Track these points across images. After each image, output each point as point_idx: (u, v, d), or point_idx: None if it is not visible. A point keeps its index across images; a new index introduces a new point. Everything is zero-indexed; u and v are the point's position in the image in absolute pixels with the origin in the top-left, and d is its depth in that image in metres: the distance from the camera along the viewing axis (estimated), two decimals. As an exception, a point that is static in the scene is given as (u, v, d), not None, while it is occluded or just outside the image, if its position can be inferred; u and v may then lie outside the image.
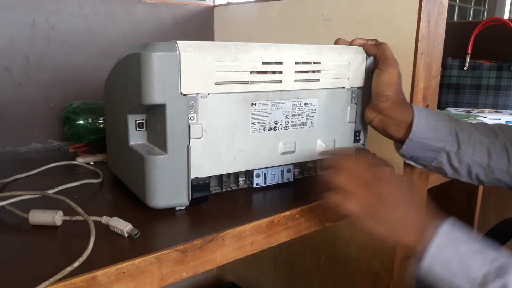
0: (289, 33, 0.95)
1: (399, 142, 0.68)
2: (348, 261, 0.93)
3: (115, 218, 0.51)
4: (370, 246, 0.86)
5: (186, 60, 0.53)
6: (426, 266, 0.50)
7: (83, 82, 0.97)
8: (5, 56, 0.87)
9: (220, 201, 0.61)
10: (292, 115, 0.65)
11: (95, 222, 0.50)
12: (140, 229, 0.50)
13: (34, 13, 0.89)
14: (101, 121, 0.90)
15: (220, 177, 0.62)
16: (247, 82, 0.59)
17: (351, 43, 0.70)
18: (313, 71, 0.64)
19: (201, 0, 1.19)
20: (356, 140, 0.73)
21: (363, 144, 0.75)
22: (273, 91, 0.62)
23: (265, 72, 0.60)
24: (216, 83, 0.56)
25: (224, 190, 0.63)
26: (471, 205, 1.38)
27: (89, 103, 0.91)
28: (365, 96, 0.71)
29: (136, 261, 0.45)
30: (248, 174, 0.65)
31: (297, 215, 0.60)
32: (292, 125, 0.66)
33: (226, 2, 1.21)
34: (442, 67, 1.41)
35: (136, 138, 0.60)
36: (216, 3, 1.20)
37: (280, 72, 0.61)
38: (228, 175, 0.63)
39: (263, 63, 0.59)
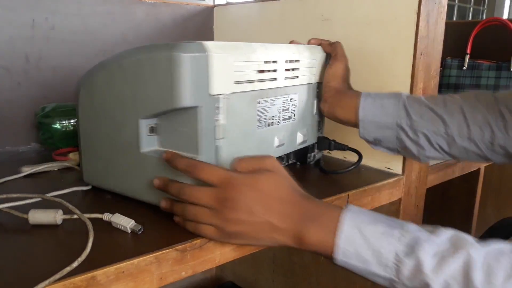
0: (288, 33, 0.95)
1: (354, 126, 0.72)
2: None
3: (117, 215, 0.51)
4: (369, 245, 0.86)
5: (213, 60, 0.53)
6: (341, 261, 0.49)
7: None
8: (5, 56, 0.87)
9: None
10: (283, 110, 0.69)
11: (97, 219, 0.50)
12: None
13: (34, 13, 0.89)
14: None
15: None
16: (254, 81, 0.61)
17: (308, 43, 0.77)
18: (293, 69, 0.69)
19: (200, 0, 1.19)
20: (319, 129, 0.81)
21: (321, 132, 0.82)
22: (271, 88, 0.65)
23: (264, 71, 0.62)
24: (235, 82, 0.57)
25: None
26: (470, 204, 1.38)
27: (63, 106, 0.89)
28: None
29: (136, 260, 0.45)
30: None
31: (296, 215, 0.60)
32: (282, 120, 0.70)
33: (225, 2, 1.21)
34: (441, 67, 1.41)
35: (148, 144, 0.57)
36: (216, 3, 1.20)
37: (275, 70, 0.65)
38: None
39: (265, 62, 0.62)
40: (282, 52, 0.66)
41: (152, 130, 0.57)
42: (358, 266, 0.48)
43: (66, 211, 0.52)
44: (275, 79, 0.65)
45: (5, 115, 0.89)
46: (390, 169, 0.80)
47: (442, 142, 0.65)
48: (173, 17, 1.11)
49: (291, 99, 0.71)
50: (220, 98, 0.55)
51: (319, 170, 0.79)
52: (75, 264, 0.42)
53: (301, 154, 0.79)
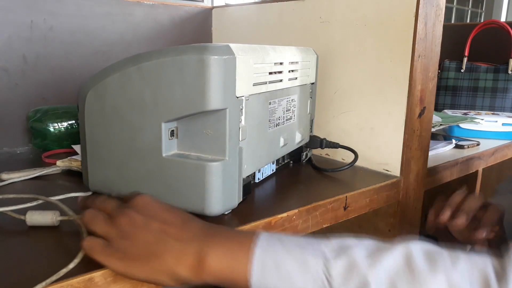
0: (287, 35, 0.95)
1: None
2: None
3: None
4: (367, 247, 0.86)
5: (239, 63, 0.54)
6: (257, 283, 0.40)
7: (80, 83, 0.97)
8: (3, 57, 0.87)
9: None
10: (286, 110, 0.71)
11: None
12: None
13: (32, 14, 0.89)
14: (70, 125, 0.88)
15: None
16: (266, 83, 0.62)
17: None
18: (292, 70, 0.70)
19: (199, 1, 1.19)
20: (310, 129, 0.84)
21: (312, 131, 0.84)
22: (278, 89, 0.66)
23: (273, 73, 0.64)
24: (254, 84, 0.58)
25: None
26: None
27: (55, 108, 0.88)
28: (316, 90, 0.84)
29: (133, 262, 0.45)
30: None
31: (294, 217, 0.60)
32: (286, 120, 0.71)
33: (224, 4, 1.21)
34: (439, 69, 1.42)
35: (169, 148, 0.56)
36: (214, 5, 1.20)
37: (281, 72, 0.66)
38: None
39: (274, 64, 0.63)
40: (286, 54, 0.67)
41: (172, 133, 0.56)
42: (278, 282, 0.40)
43: (62, 213, 0.52)
44: (281, 80, 0.66)
45: (2, 115, 0.88)
46: (388, 171, 0.80)
47: None
48: (172, 18, 1.11)
49: (292, 100, 0.72)
50: (243, 99, 0.56)
51: (312, 168, 0.80)
52: (71, 265, 0.41)
53: (295, 153, 0.80)
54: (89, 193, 0.62)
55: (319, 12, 0.87)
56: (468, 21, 4.16)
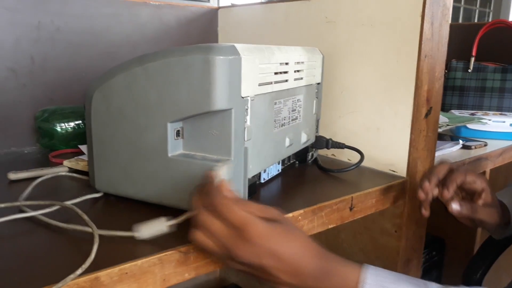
0: (292, 35, 0.95)
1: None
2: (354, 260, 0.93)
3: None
4: (373, 249, 0.86)
5: (245, 63, 0.54)
6: None
7: (87, 83, 0.97)
8: (11, 57, 0.88)
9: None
10: (292, 110, 0.71)
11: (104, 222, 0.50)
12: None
13: (39, 15, 0.90)
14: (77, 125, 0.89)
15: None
16: (272, 83, 0.62)
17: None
18: (298, 71, 0.70)
19: (205, 1, 1.19)
20: (316, 128, 0.83)
21: (317, 131, 0.84)
22: (284, 90, 0.66)
23: (278, 73, 0.64)
24: (259, 84, 0.58)
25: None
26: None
27: (62, 108, 0.89)
28: (322, 90, 0.84)
29: (139, 261, 0.45)
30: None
31: (299, 217, 0.60)
32: (291, 120, 0.71)
33: (230, 4, 1.21)
34: (446, 69, 1.41)
35: (175, 148, 0.56)
36: (220, 5, 1.20)
37: (286, 72, 0.66)
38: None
39: (280, 64, 0.63)
40: (292, 54, 0.67)
41: (178, 133, 0.56)
42: None
43: (76, 217, 0.53)
44: (286, 80, 0.66)
45: (10, 116, 0.89)
46: (394, 171, 0.80)
47: None
48: (178, 18, 1.11)
49: (297, 100, 0.72)
50: (248, 100, 0.56)
51: (318, 168, 0.80)
52: (79, 271, 0.41)
53: (300, 153, 0.80)
54: (100, 194, 0.62)
55: (325, 12, 0.87)
56: (475, 21, 4.14)
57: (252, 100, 0.57)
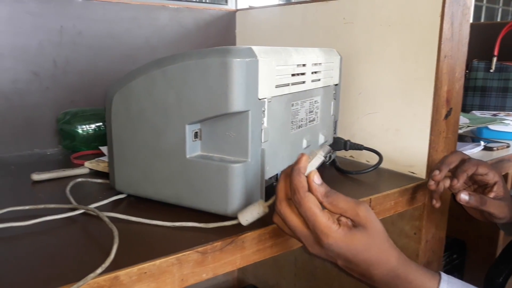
0: (310, 37, 0.95)
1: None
2: (370, 265, 0.92)
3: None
4: (392, 250, 0.85)
5: (262, 65, 0.54)
6: None
7: (108, 86, 0.99)
8: (34, 61, 0.90)
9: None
10: (309, 112, 0.71)
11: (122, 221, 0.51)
12: (162, 230, 0.51)
13: (62, 19, 0.92)
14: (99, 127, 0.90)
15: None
16: (289, 84, 0.62)
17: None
18: (315, 72, 0.70)
19: (223, 4, 1.20)
20: (334, 130, 0.83)
21: (335, 133, 0.83)
22: (301, 91, 0.66)
23: (295, 74, 0.64)
24: (276, 86, 0.58)
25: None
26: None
27: (83, 111, 0.91)
28: (340, 91, 0.83)
29: (158, 261, 0.46)
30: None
31: (317, 219, 0.60)
32: (309, 122, 0.71)
33: (247, 6, 1.22)
34: (467, 69, 1.39)
35: (193, 149, 0.57)
36: (238, 7, 1.21)
37: (304, 74, 0.66)
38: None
39: (297, 66, 0.63)
40: (309, 56, 0.67)
41: (196, 135, 0.57)
42: None
43: (98, 219, 0.54)
44: (303, 82, 0.66)
45: (34, 118, 0.92)
46: (413, 173, 0.79)
47: None
48: (196, 21, 1.12)
49: (315, 101, 0.72)
50: (265, 101, 0.56)
51: (336, 170, 0.80)
52: (99, 270, 0.42)
53: None
54: (124, 195, 0.63)
55: (343, 13, 0.87)
56: (499, 20, 4.05)
57: (269, 102, 0.57)
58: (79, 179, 0.70)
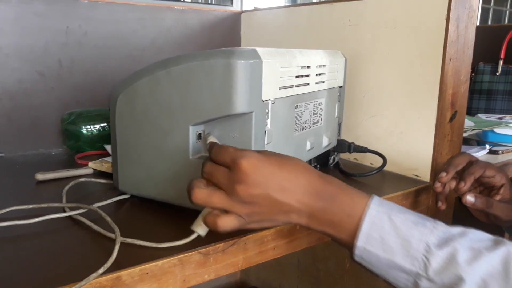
0: (315, 39, 0.95)
1: None
2: (373, 268, 0.92)
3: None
4: (395, 254, 0.85)
5: (266, 67, 0.54)
6: (361, 250, 0.44)
7: (113, 86, 0.99)
8: (40, 61, 0.91)
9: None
10: (313, 114, 0.70)
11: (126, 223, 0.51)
12: (165, 231, 0.51)
13: (68, 20, 0.92)
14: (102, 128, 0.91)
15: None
16: (293, 86, 0.62)
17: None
18: (320, 74, 0.70)
19: (228, 6, 1.21)
20: (338, 132, 0.83)
21: (340, 135, 0.84)
22: (305, 93, 0.66)
23: (300, 76, 0.64)
24: (280, 88, 0.58)
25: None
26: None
27: (88, 111, 0.91)
28: (344, 93, 0.82)
29: (160, 262, 0.46)
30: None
31: (320, 221, 0.60)
32: (313, 124, 0.71)
33: (253, 8, 1.22)
34: (473, 72, 1.38)
35: (196, 150, 0.56)
36: (243, 9, 1.21)
37: (308, 75, 0.66)
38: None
39: (301, 67, 0.63)
40: (314, 58, 0.67)
41: (200, 136, 0.57)
42: (381, 256, 0.43)
43: (100, 219, 0.54)
44: (308, 84, 0.66)
45: (39, 118, 0.92)
46: (417, 176, 0.78)
47: None
48: (201, 23, 1.12)
49: (319, 103, 0.72)
50: (269, 103, 0.56)
51: (340, 172, 0.79)
52: (101, 270, 0.42)
53: (322, 157, 0.79)
54: (127, 196, 0.63)
55: (348, 15, 0.87)
56: (506, 22, 4.03)
57: (272, 103, 0.57)
58: (81, 179, 0.70)
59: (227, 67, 0.51)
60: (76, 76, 0.95)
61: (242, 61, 0.51)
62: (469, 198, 0.65)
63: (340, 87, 0.80)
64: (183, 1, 1.18)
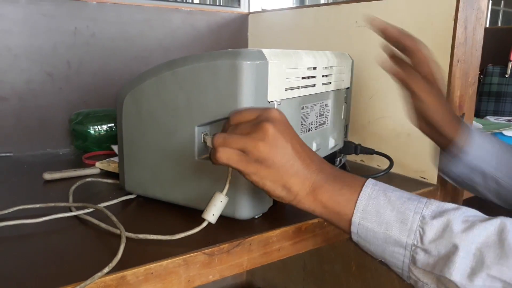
0: (322, 40, 0.95)
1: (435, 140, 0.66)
2: (379, 271, 0.92)
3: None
4: (402, 256, 0.84)
5: (272, 68, 0.54)
6: (357, 225, 0.45)
7: (120, 87, 1.00)
8: (48, 62, 0.91)
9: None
10: (319, 115, 0.70)
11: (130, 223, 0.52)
12: (170, 231, 0.52)
13: (76, 21, 0.93)
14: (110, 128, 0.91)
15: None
16: (299, 87, 0.62)
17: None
18: (326, 75, 0.69)
19: (235, 7, 1.21)
20: (345, 134, 0.82)
21: (346, 137, 0.82)
22: (311, 94, 0.66)
23: (306, 78, 0.64)
24: (286, 89, 0.58)
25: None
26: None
27: (95, 111, 0.92)
28: (351, 95, 0.82)
29: (164, 262, 0.46)
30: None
31: (325, 223, 0.59)
32: (319, 125, 0.70)
33: (260, 9, 1.22)
34: (482, 74, 1.37)
35: (202, 151, 0.56)
36: (250, 10, 1.21)
37: (314, 76, 0.65)
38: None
39: (307, 69, 0.63)
40: (320, 59, 0.67)
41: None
42: (377, 231, 0.44)
43: (106, 219, 0.54)
44: (314, 85, 0.66)
45: (47, 118, 0.93)
46: (424, 178, 0.78)
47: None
48: (208, 24, 1.13)
49: (326, 105, 0.72)
50: (275, 104, 0.56)
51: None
52: (105, 270, 0.43)
53: (328, 159, 0.79)
54: (133, 196, 0.64)
55: (355, 16, 0.86)
56: (515, 24, 3.99)
57: (278, 104, 0.57)
58: (88, 179, 0.70)
59: (233, 68, 0.51)
60: (84, 76, 0.96)
61: (248, 62, 0.51)
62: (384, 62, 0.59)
63: (347, 88, 0.80)
64: (191, 3, 1.19)
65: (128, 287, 0.44)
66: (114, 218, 0.53)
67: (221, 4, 1.31)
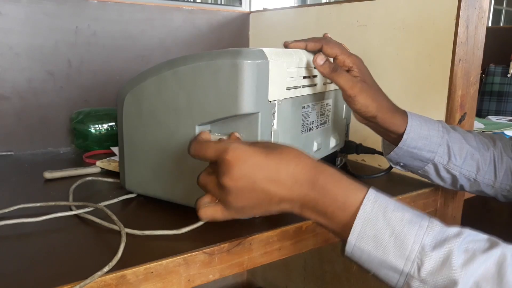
0: (323, 39, 0.95)
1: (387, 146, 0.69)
2: (380, 271, 0.91)
3: None
4: (403, 256, 0.84)
5: (272, 67, 0.54)
6: (352, 246, 0.43)
7: (121, 86, 1.00)
8: (49, 61, 0.91)
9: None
10: (320, 115, 0.70)
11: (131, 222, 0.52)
12: (170, 230, 0.52)
13: (77, 20, 0.93)
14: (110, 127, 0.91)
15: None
16: (300, 87, 0.61)
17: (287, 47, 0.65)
18: None
19: (237, 6, 1.21)
20: (346, 133, 0.81)
21: (347, 136, 0.82)
22: (312, 94, 0.66)
23: (307, 77, 0.63)
24: (286, 88, 0.58)
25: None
26: (513, 218, 1.32)
27: (96, 110, 0.92)
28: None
29: (164, 261, 0.46)
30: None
31: (326, 222, 0.59)
32: (320, 124, 0.70)
33: (261, 8, 1.22)
34: (484, 74, 1.36)
35: None
36: (252, 9, 1.21)
37: (315, 76, 0.65)
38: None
39: (309, 68, 0.63)
40: None
41: None
42: (373, 254, 0.42)
43: (107, 218, 0.54)
44: (315, 84, 0.66)
45: (48, 117, 0.93)
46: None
47: (466, 184, 0.67)
48: (210, 23, 1.13)
49: (326, 104, 0.72)
50: (276, 103, 0.56)
51: (347, 173, 0.79)
52: (106, 269, 0.43)
53: (329, 158, 0.79)
54: (133, 195, 0.64)
55: (356, 15, 0.86)
56: (517, 24, 3.98)
57: (279, 104, 0.57)
58: (89, 178, 0.70)
59: (233, 67, 0.51)
60: (85, 75, 0.96)
61: (249, 61, 0.51)
62: (319, 60, 0.60)
63: None
64: (192, 2, 1.18)
65: (128, 286, 0.43)
66: (114, 217, 0.53)
67: (223, 3, 1.31)
